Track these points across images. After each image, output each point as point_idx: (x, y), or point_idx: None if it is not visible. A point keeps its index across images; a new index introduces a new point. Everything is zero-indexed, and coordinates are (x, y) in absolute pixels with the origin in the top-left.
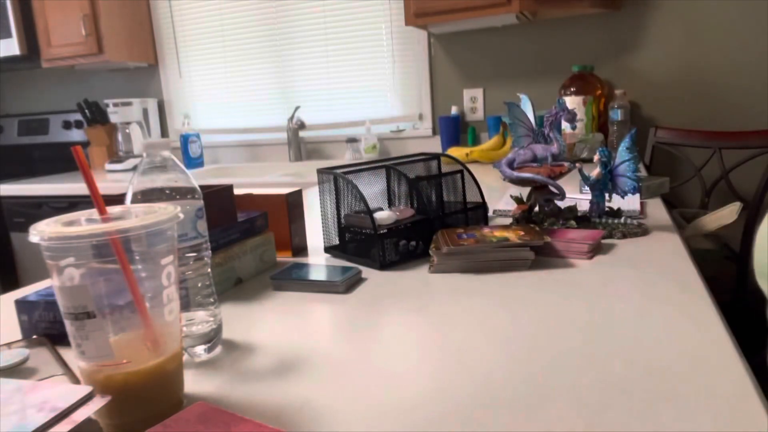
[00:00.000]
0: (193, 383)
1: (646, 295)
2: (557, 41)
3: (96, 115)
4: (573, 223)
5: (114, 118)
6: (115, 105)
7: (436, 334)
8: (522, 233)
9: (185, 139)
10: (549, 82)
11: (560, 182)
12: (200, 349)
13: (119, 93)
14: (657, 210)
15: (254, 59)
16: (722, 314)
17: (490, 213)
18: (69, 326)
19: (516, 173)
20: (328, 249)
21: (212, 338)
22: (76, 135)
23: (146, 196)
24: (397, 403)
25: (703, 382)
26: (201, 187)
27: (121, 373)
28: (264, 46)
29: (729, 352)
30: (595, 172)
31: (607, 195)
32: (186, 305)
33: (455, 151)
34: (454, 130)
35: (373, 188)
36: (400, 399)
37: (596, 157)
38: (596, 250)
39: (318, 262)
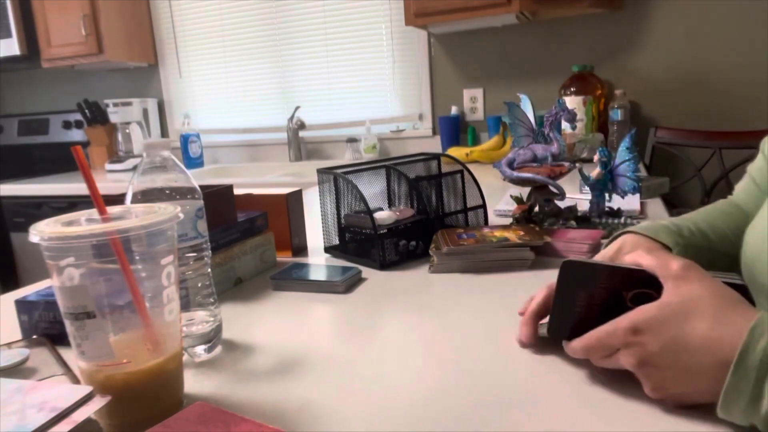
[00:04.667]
0: (193, 383)
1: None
2: (557, 41)
3: (96, 115)
4: (573, 223)
5: (114, 118)
6: (115, 105)
7: (436, 334)
8: (522, 233)
9: (185, 139)
10: (549, 82)
11: (560, 182)
12: (200, 349)
13: (119, 93)
14: (657, 210)
15: (254, 59)
16: None
17: (490, 213)
18: (69, 326)
19: (516, 173)
20: (328, 249)
21: (212, 338)
22: (76, 135)
23: (146, 196)
24: (397, 403)
25: None
26: (201, 187)
27: (121, 373)
28: (264, 46)
29: None
30: (595, 172)
31: (607, 195)
32: (186, 305)
33: (455, 151)
34: (454, 130)
35: (373, 188)
36: (400, 399)
37: (596, 157)
38: (596, 250)
39: (318, 262)
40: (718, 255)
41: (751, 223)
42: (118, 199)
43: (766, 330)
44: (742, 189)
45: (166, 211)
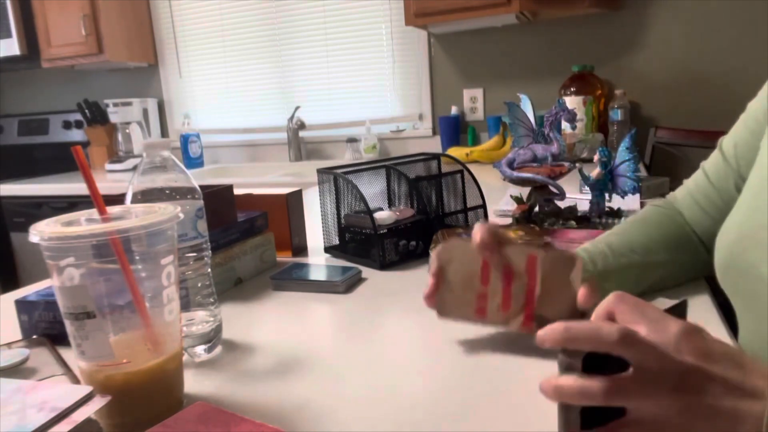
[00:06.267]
0: (193, 383)
1: (644, 296)
2: (557, 41)
3: (96, 115)
4: (573, 223)
5: (114, 118)
6: (115, 105)
7: (435, 334)
8: (522, 233)
9: (185, 139)
10: (549, 82)
11: (560, 182)
12: (200, 349)
13: (119, 93)
14: None
15: (254, 59)
16: (722, 314)
17: (490, 213)
18: (69, 326)
19: (516, 173)
20: (328, 249)
21: (212, 338)
22: (76, 135)
23: (146, 196)
24: (397, 403)
25: None
26: (201, 187)
27: (121, 373)
28: (264, 46)
29: None
30: (595, 172)
31: (607, 195)
32: (186, 305)
33: (455, 151)
34: (454, 130)
35: (373, 188)
36: (400, 399)
37: (596, 157)
38: None
39: (318, 262)
40: (654, 266)
41: (721, 227)
42: (118, 199)
43: None
44: (694, 183)
45: (166, 211)
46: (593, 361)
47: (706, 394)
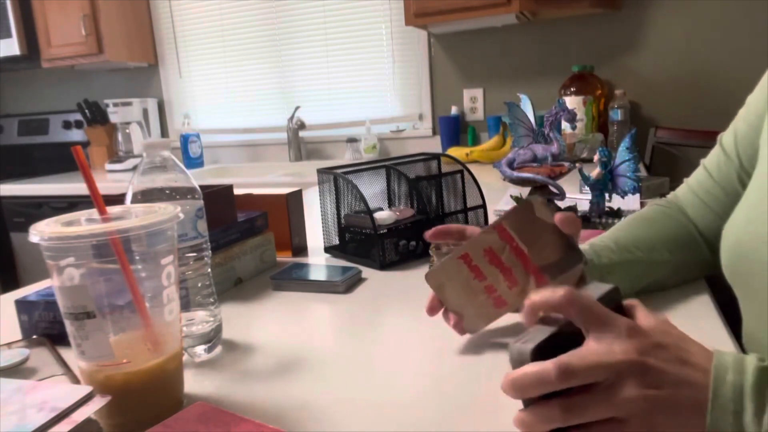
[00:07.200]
0: (193, 383)
1: (645, 295)
2: (557, 41)
3: (96, 115)
4: None
5: (114, 118)
6: (115, 105)
7: (435, 334)
8: None
9: (185, 139)
10: (549, 82)
11: (560, 182)
12: (200, 349)
13: (119, 93)
14: None
15: (254, 59)
16: (722, 314)
17: (490, 213)
18: (69, 326)
19: (516, 173)
20: (328, 249)
21: (212, 338)
22: (76, 135)
23: (146, 196)
24: (397, 403)
25: None
26: (201, 187)
27: (121, 373)
28: (264, 46)
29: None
30: (595, 172)
31: (607, 195)
32: (186, 305)
33: (455, 151)
34: (454, 130)
35: (373, 188)
36: (400, 399)
37: (596, 157)
38: None
39: (318, 262)
40: (656, 264)
41: (728, 220)
42: (118, 199)
43: (729, 365)
44: (695, 180)
45: (166, 211)
46: (546, 349)
47: (660, 388)
